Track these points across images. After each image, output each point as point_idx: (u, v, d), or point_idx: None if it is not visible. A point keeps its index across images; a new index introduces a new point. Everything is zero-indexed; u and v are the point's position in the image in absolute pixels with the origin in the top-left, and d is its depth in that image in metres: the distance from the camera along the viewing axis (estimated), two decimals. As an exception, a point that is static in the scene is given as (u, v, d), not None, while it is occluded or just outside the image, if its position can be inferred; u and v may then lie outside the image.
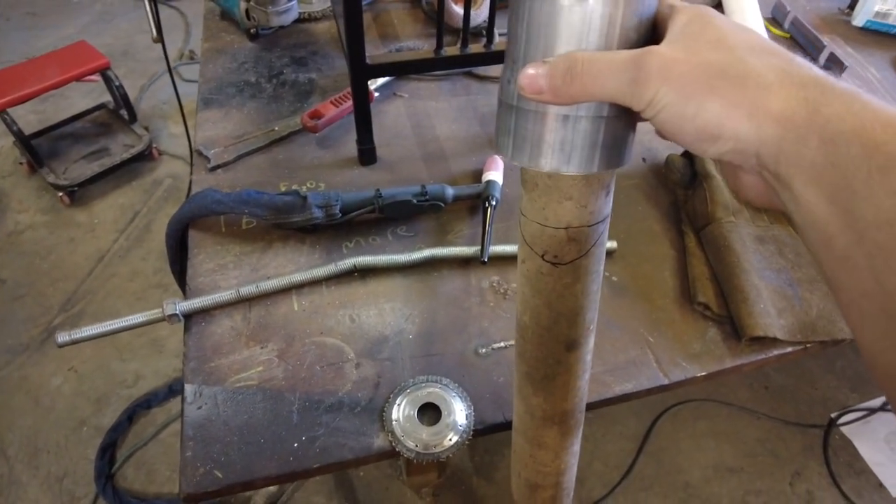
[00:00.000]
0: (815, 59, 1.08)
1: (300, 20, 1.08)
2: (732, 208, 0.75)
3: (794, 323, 0.65)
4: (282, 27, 1.07)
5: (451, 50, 0.75)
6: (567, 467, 0.53)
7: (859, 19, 1.18)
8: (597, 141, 0.33)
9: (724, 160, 0.30)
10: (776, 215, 0.77)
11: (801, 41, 1.12)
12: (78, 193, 2.10)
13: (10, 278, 1.87)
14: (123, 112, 2.24)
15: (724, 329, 0.67)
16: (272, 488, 1.40)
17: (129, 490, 1.44)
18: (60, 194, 2.05)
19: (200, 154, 0.82)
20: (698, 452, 1.52)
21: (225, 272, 0.69)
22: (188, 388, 0.59)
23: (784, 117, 0.26)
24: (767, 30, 1.10)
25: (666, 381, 0.63)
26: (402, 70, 0.77)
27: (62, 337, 0.62)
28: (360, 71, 0.72)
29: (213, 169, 0.80)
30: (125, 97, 2.16)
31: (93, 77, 2.12)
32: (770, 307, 0.66)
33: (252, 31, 1.04)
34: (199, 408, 0.58)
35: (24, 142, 1.96)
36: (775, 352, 0.65)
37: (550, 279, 0.43)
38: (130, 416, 1.55)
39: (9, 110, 1.90)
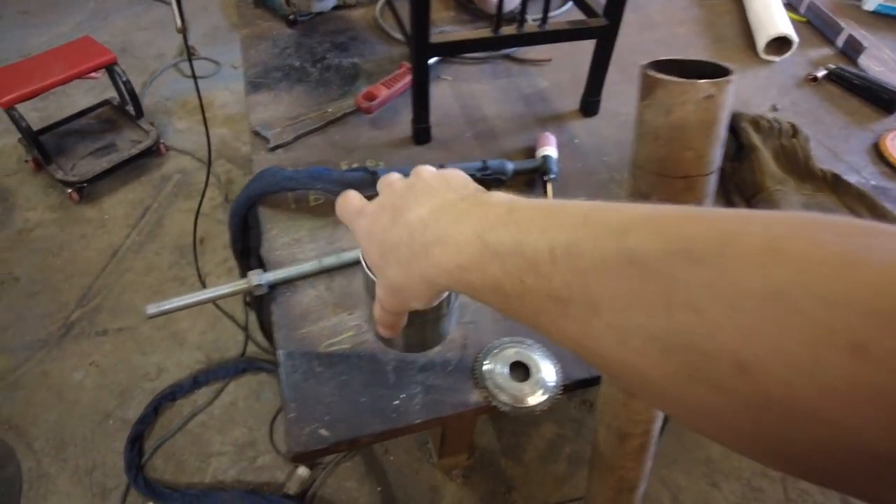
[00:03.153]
0: (832, 42, 1.13)
1: (336, 7, 1.10)
2: (779, 178, 0.79)
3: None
4: (318, 14, 1.08)
5: (508, 30, 0.78)
6: (657, 415, 0.56)
7: (870, 4, 1.23)
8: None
9: None
10: (819, 184, 0.80)
11: (817, 24, 1.17)
12: (87, 190, 2.08)
13: (24, 276, 1.86)
14: (129, 108, 2.22)
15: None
16: (304, 474, 1.42)
17: (160, 480, 1.44)
18: (69, 191, 2.03)
19: (258, 135, 0.84)
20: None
21: (300, 245, 0.71)
22: (281, 353, 0.61)
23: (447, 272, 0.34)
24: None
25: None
26: (463, 49, 0.80)
27: (151, 309, 0.63)
28: (423, 49, 0.74)
29: (274, 149, 0.82)
30: (132, 92, 2.14)
31: (94, 74, 2.11)
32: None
33: (291, 17, 1.06)
34: (295, 371, 0.60)
35: (33, 138, 1.94)
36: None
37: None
38: (156, 408, 1.55)
39: (17, 107, 1.88)
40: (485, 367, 0.60)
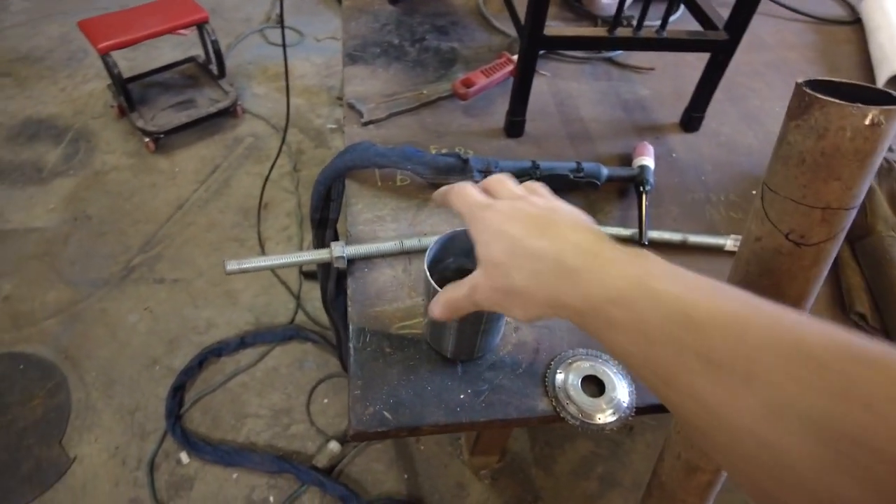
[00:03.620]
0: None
1: (440, -11, 1.09)
2: (892, 222, 0.73)
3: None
4: (421, -6, 1.07)
5: (624, 32, 0.75)
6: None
7: None
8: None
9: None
10: (935, 237, 0.74)
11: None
12: (162, 141, 2.15)
13: (96, 215, 1.93)
14: (213, 67, 2.28)
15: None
16: (335, 449, 1.43)
17: (196, 433, 1.48)
18: (146, 140, 2.10)
19: (352, 108, 0.83)
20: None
21: (383, 224, 0.70)
22: (353, 328, 0.60)
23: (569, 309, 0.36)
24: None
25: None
26: (576, 45, 0.77)
27: (231, 265, 0.63)
28: (535, 41, 0.72)
29: (366, 124, 0.81)
30: (218, 52, 2.20)
31: (184, 31, 2.17)
32: (935, 326, 0.64)
33: (394, -6, 1.05)
34: (365, 349, 0.59)
35: (122, 85, 2.01)
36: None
37: (788, 260, 0.43)
38: (201, 362, 1.59)
39: (111, 54, 1.95)
40: (557, 376, 0.58)
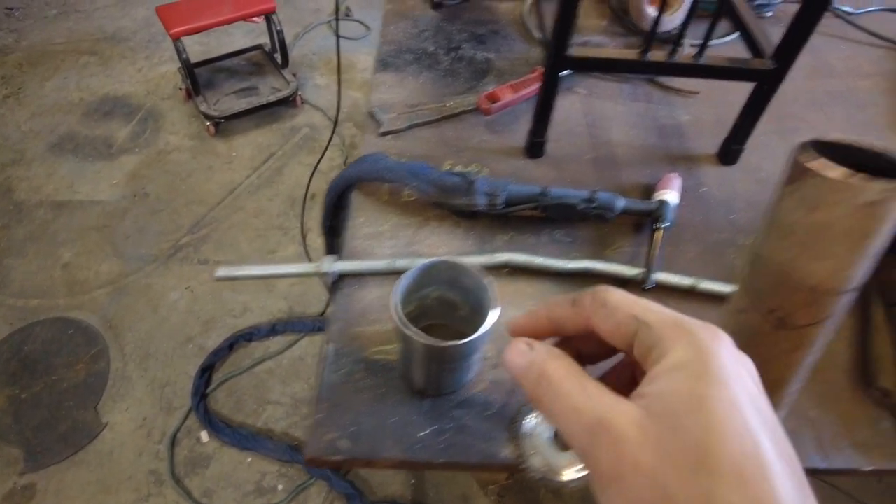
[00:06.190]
0: None
1: (484, -4, 1.06)
2: (944, 290, 0.65)
3: None
4: (465, 0, 1.05)
5: (657, 55, 0.70)
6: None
7: None
8: None
9: None
10: None
11: None
12: (222, 125, 2.22)
13: (153, 193, 2.02)
14: (277, 56, 2.33)
15: (910, 425, 0.58)
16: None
17: (219, 413, 1.52)
18: (208, 123, 2.18)
19: (373, 117, 0.82)
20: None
21: (380, 240, 0.68)
22: (330, 348, 0.59)
23: None
24: None
25: (824, 466, 0.56)
26: (603, 67, 0.73)
27: (221, 271, 0.63)
28: (559, 60, 0.68)
29: (384, 134, 0.80)
30: (283, 42, 2.25)
31: (256, 19, 2.23)
32: (978, 416, 0.56)
33: None
34: (338, 371, 0.57)
35: (190, 70, 2.09)
36: (972, 467, 0.56)
37: (766, 340, 0.38)
38: (232, 345, 1.64)
39: (182, 39, 2.03)
40: (526, 422, 0.54)
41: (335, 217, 0.81)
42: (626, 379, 0.29)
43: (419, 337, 0.48)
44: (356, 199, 0.72)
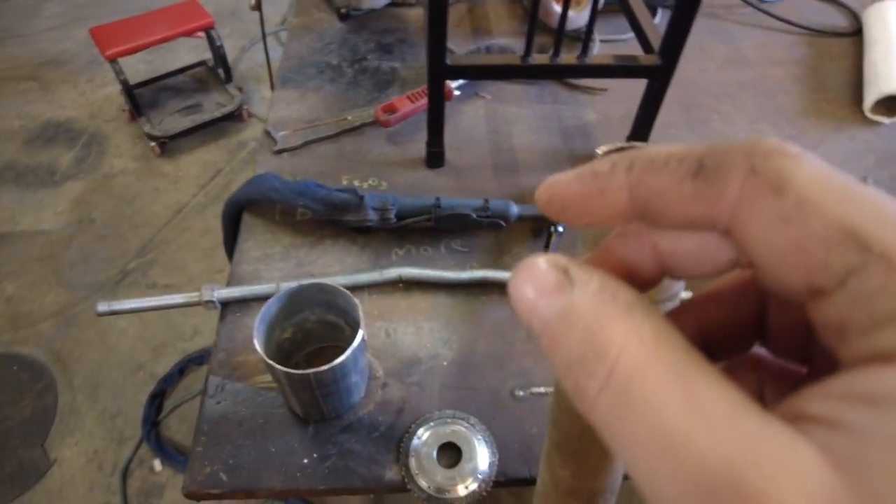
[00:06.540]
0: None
1: (394, 3, 1.05)
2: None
3: None
4: (373, 10, 1.03)
5: (539, 58, 0.69)
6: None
7: None
8: None
9: None
10: None
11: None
12: (168, 145, 2.19)
13: (99, 219, 1.98)
14: (220, 71, 2.30)
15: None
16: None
17: (171, 440, 1.49)
18: (153, 144, 2.14)
19: (269, 135, 0.81)
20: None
21: (270, 263, 0.67)
22: (212, 380, 0.58)
23: None
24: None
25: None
26: (483, 74, 0.72)
27: (102, 307, 0.62)
28: (438, 71, 0.67)
29: (279, 152, 0.79)
30: (223, 57, 2.22)
31: (200, 34, 2.19)
32: None
33: (343, 10, 1.01)
34: (219, 403, 0.56)
35: (128, 91, 2.06)
36: None
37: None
38: (182, 369, 1.61)
39: (119, 60, 1.99)
40: (414, 442, 0.54)
41: (234, 241, 0.80)
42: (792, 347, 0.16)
43: (278, 366, 0.47)
44: (246, 222, 0.71)
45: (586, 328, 0.13)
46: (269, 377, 0.58)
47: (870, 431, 0.10)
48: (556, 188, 0.16)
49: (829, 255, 0.12)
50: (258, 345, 0.48)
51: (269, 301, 0.51)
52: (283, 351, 0.57)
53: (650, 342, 0.12)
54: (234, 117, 2.26)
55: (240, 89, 2.31)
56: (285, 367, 0.47)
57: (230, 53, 2.47)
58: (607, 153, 0.34)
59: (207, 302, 0.61)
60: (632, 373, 0.12)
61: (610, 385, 0.12)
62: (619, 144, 0.34)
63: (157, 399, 1.54)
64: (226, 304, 0.63)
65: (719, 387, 0.11)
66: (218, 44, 2.16)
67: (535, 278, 0.14)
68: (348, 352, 0.48)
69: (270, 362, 0.47)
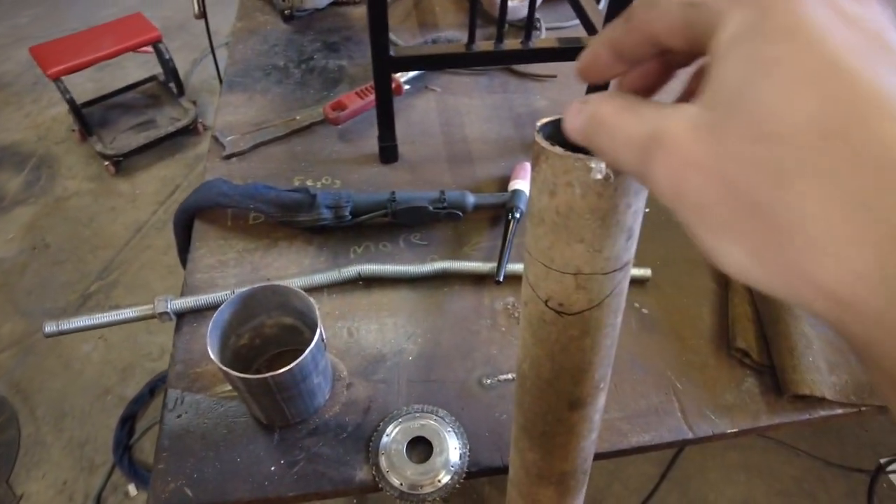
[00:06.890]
0: None
1: (337, 2, 1.04)
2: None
3: (847, 382, 0.57)
4: (317, 10, 1.02)
5: (484, 45, 0.69)
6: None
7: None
8: None
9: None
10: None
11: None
12: (123, 163, 2.13)
13: (54, 243, 1.92)
14: (172, 85, 2.25)
15: (764, 380, 0.59)
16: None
17: (145, 463, 1.45)
18: (106, 163, 2.08)
19: (217, 140, 0.79)
20: (727, 485, 1.43)
21: (224, 269, 0.65)
22: (171, 393, 0.56)
23: (841, 299, 0.15)
24: None
25: (690, 436, 0.56)
26: (429, 64, 0.72)
27: (49, 327, 0.59)
28: (383, 63, 0.66)
29: (228, 157, 0.77)
30: (174, 71, 2.17)
31: (148, 49, 2.14)
32: (820, 361, 0.57)
33: (286, 12, 1.00)
34: (179, 416, 0.54)
35: (76, 110, 2.00)
36: (822, 412, 0.57)
37: (554, 329, 0.37)
38: (152, 390, 1.57)
39: (64, 78, 1.93)
40: (383, 440, 0.53)
41: (188, 251, 0.78)
42: None
43: (234, 373, 0.46)
44: (198, 230, 0.69)
45: (591, 115, 0.23)
46: (229, 386, 0.56)
47: (706, 86, 0.17)
48: (582, 63, 0.25)
49: (678, 19, 0.19)
50: (212, 352, 0.47)
51: (221, 307, 0.49)
52: (241, 358, 0.56)
53: (617, 102, 0.21)
54: (190, 131, 2.21)
55: (194, 102, 2.26)
56: (245, 373, 0.46)
57: (182, 67, 2.42)
58: (545, 125, 0.33)
59: (162, 314, 0.59)
60: (609, 118, 0.21)
61: (604, 131, 0.22)
62: (557, 117, 0.34)
63: (128, 422, 1.50)
64: (181, 315, 0.61)
65: (651, 103, 0.20)
66: (167, 57, 2.11)
67: (571, 109, 0.24)
68: (306, 353, 0.47)
69: (225, 369, 0.46)
